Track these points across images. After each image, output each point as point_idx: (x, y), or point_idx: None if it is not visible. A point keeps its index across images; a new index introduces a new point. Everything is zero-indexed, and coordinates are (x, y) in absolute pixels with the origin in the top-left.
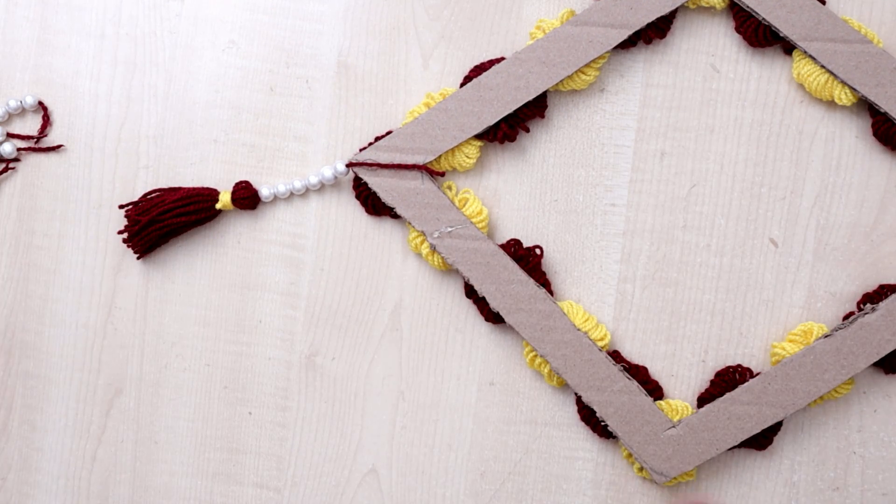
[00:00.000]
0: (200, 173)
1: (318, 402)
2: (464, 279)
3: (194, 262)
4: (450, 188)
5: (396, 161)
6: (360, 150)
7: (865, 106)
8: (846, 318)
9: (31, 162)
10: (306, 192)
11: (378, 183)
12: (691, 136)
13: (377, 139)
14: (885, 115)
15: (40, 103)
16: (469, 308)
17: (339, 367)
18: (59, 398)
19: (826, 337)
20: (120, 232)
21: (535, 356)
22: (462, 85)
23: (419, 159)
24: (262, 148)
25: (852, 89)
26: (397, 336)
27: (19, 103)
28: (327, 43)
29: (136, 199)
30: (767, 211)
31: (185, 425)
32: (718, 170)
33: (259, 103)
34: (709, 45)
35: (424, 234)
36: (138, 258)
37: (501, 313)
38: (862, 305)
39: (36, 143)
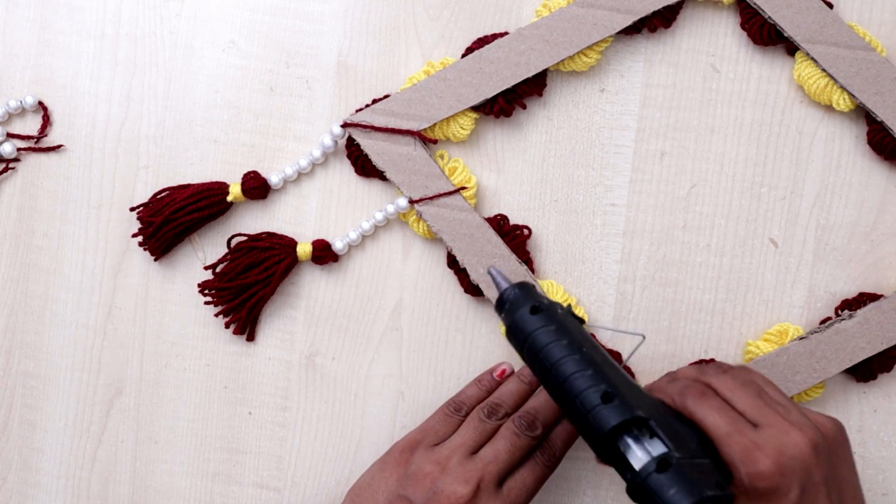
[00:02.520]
0: (200, 173)
1: (318, 402)
2: (447, 249)
3: (194, 262)
4: (441, 157)
5: (391, 125)
6: (357, 111)
7: (863, 113)
8: (823, 322)
9: (31, 162)
10: (313, 169)
11: (370, 145)
12: (691, 136)
13: (374, 101)
14: (881, 124)
15: (40, 103)
16: (469, 308)
17: (339, 367)
18: (59, 398)
19: (801, 339)
20: (134, 235)
21: None
22: (463, 56)
23: (413, 125)
24: (262, 148)
25: (851, 95)
26: (397, 336)
27: (19, 103)
28: (327, 43)
29: (136, 199)
30: (767, 211)
31: (185, 425)
32: (718, 170)
33: (259, 103)
34: (709, 45)
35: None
36: (156, 260)
37: (481, 286)
38: (840, 311)
39: (36, 143)
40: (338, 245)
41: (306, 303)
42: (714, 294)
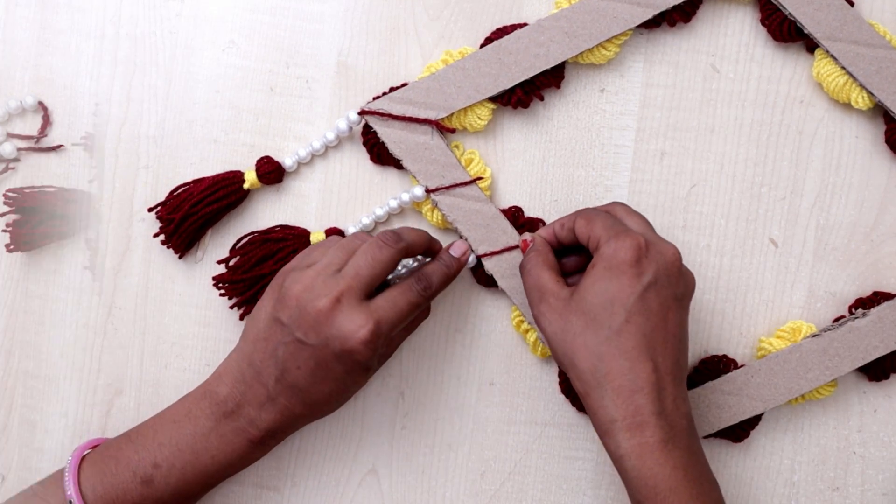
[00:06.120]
0: (200, 173)
1: None
2: (461, 239)
3: (194, 262)
4: (457, 147)
5: (409, 114)
6: (374, 98)
7: (880, 111)
8: (837, 320)
9: (31, 162)
10: (326, 152)
11: (387, 133)
12: (691, 136)
13: (392, 90)
14: None
15: (40, 103)
16: (469, 308)
17: None
18: (59, 398)
19: (814, 336)
20: (156, 235)
21: (522, 321)
22: (482, 46)
23: (431, 114)
24: (262, 148)
25: (870, 94)
26: None
27: (19, 103)
28: (327, 43)
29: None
30: (767, 211)
31: None
32: (718, 170)
33: (259, 103)
34: (709, 45)
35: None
36: (180, 257)
37: (495, 277)
38: (854, 310)
39: (36, 143)
40: (351, 231)
41: None
42: (714, 294)
